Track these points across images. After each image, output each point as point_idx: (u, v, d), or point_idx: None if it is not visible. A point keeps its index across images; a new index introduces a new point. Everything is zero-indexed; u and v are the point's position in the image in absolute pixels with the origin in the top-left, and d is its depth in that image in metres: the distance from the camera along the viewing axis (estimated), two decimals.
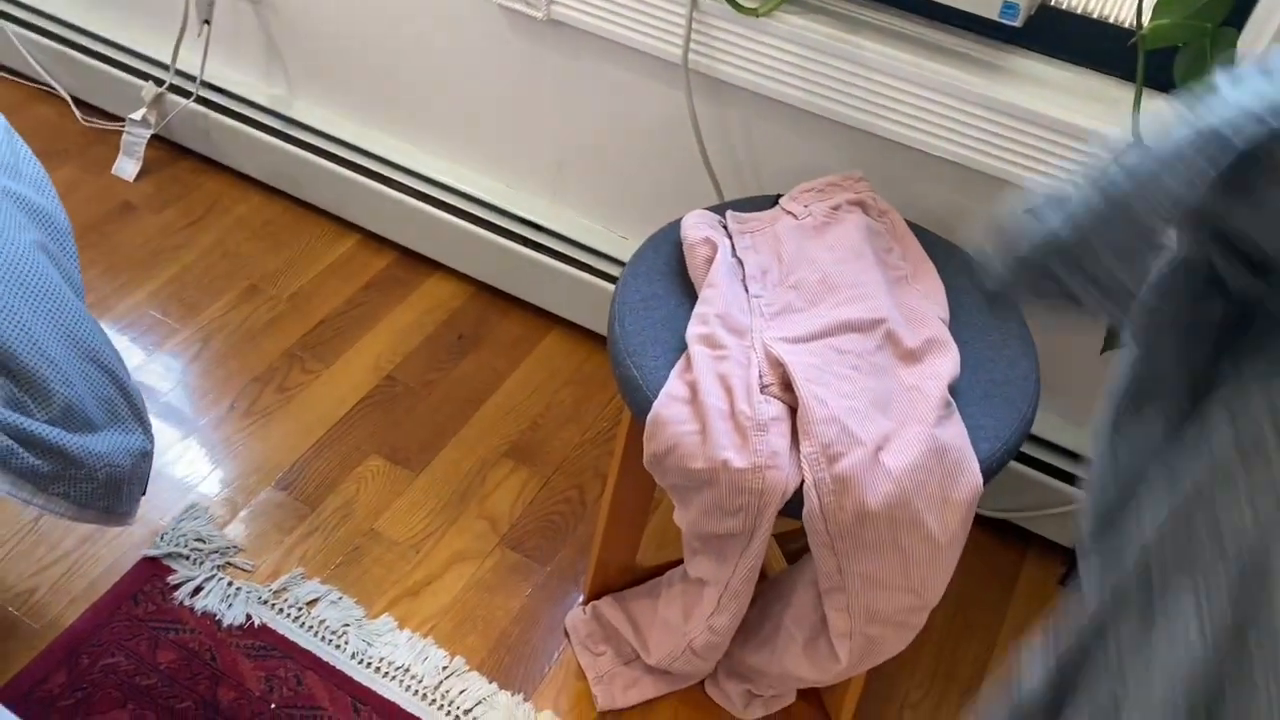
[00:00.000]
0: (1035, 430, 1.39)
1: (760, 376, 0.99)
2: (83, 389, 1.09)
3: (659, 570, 1.36)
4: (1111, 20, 1.16)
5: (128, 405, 1.15)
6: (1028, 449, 1.40)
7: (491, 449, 1.54)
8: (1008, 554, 1.49)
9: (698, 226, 1.12)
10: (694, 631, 1.16)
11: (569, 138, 1.53)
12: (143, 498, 1.21)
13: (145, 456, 1.18)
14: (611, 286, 1.60)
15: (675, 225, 1.19)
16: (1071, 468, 1.39)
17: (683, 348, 1.05)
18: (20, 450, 1.03)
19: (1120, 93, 1.17)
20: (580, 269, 1.61)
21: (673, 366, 1.03)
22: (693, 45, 1.31)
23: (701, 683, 1.30)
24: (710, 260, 1.10)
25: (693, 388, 1.00)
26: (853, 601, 1.01)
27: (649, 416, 1.00)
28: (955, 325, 1.09)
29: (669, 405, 1.00)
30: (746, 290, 1.08)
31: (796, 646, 1.11)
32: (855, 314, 1.06)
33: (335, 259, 1.80)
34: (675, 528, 1.43)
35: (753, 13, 1.24)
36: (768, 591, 1.17)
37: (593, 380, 1.65)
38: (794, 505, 0.98)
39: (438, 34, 1.53)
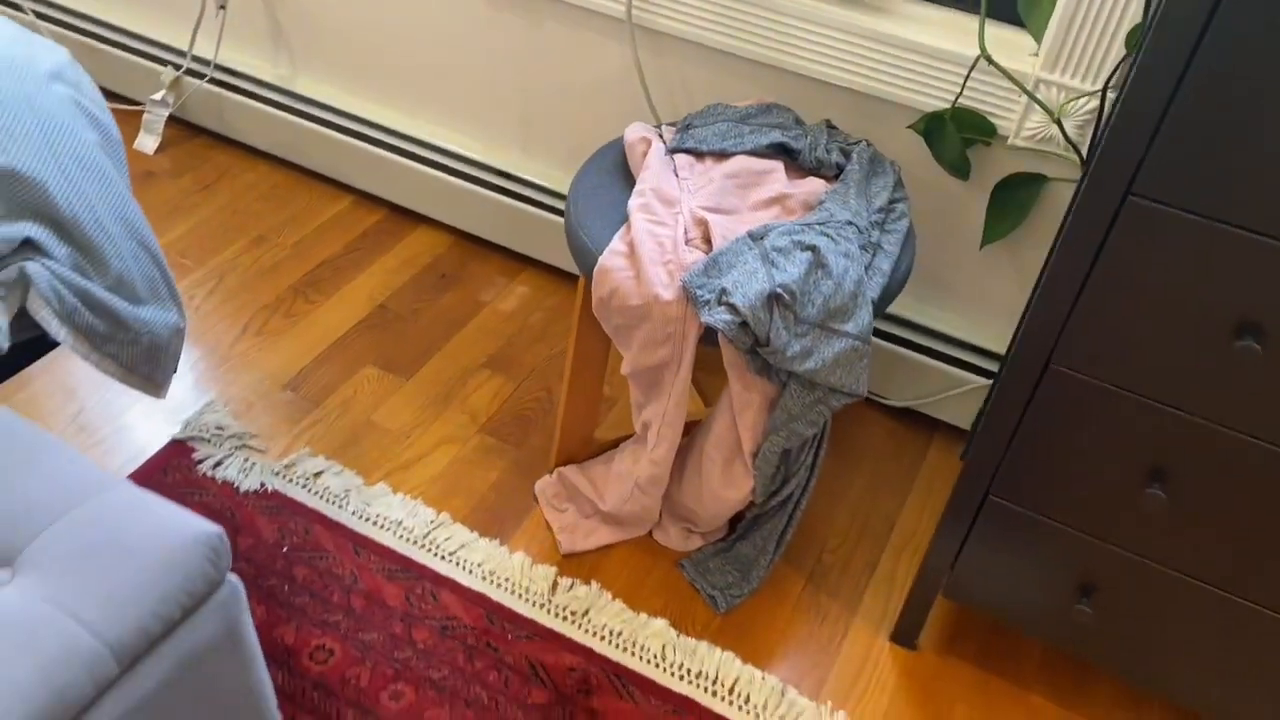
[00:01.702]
0: (929, 323, 1.64)
1: (685, 232, 1.24)
2: (132, 264, 1.32)
3: (616, 444, 1.60)
4: None
5: (166, 285, 1.39)
6: (925, 340, 1.65)
7: (471, 360, 1.78)
8: (916, 438, 1.73)
9: (637, 131, 1.38)
10: (639, 469, 1.39)
11: (534, 95, 1.80)
12: (174, 376, 1.44)
13: (179, 333, 1.41)
14: None
15: (620, 139, 1.45)
16: (963, 356, 1.63)
17: (624, 221, 1.30)
18: (82, 308, 1.27)
19: (974, 24, 1.44)
20: (549, 211, 1.87)
21: (615, 233, 1.28)
22: (634, 3, 1.58)
23: (650, 533, 1.52)
24: (646, 154, 1.35)
25: (630, 245, 1.25)
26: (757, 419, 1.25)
27: (595, 268, 1.25)
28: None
29: (611, 258, 1.24)
30: (677, 177, 1.33)
31: (716, 469, 1.34)
32: (762, 194, 1.31)
33: (333, 214, 2.05)
34: (627, 414, 1.66)
35: None
36: (695, 432, 1.41)
37: (559, 309, 1.90)
38: (710, 336, 1.23)
39: (420, 11, 1.80)
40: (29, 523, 0.91)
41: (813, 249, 1.20)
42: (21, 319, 1.27)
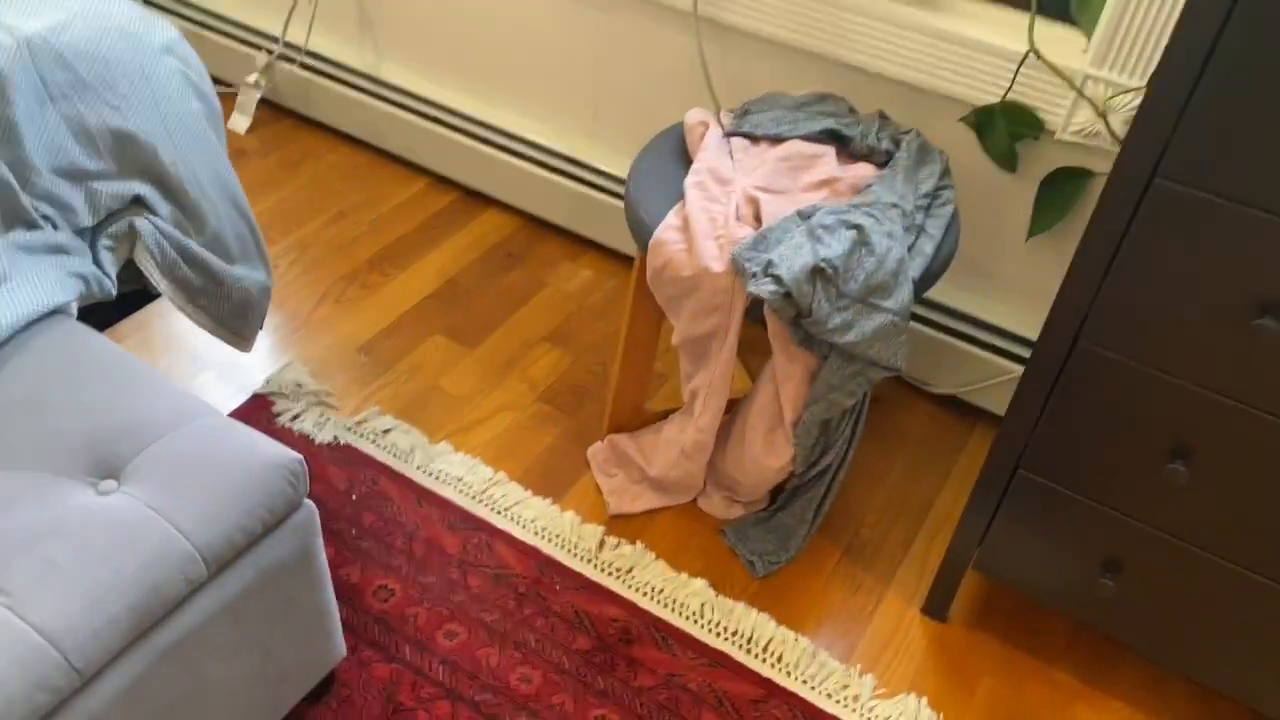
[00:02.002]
0: (974, 312, 1.69)
1: (737, 209, 1.32)
2: (226, 225, 1.44)
3: (665, 415, 1.67)
4: None
5: (256, 246, 1.50)
6: (969, 329, 1.70)
7: (533, 334, 1.87)
8: (958, 425, 1.78)
9: (696, 114, 1.46)
10: (685, 437, 1.47)
11: (603, 82, 1.89)
12: (259, 332, 1.56)
13: (266, 291, 1.53)
14: None
15: (680, 124, 1.53)
16: (1007, 345, 1.68)
17: (680, 198, 1.38)
18: (181, 263, 1.39)
19: (1026, 22, 1.49)
20: (612, 196, 1.96)
21: (671, 209, 1.36)
22: None
23: (694, 500, 1.60)
24: (703, 136, 1.43)
25: (685, 220, 1.33)
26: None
27: (651, 240, 1.33)
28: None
29: (666, 232, 1.32)
30: (732, 159, 1.41)
31: (759, 437, 1.41)
32: (812, 177, 1.38)
33: (409, 195, 2.16)
34: (676, 389, 1.74)
35: None
36: (740, 403, 1.48)
37: (618, 290, 1.98)
38: (756, 308, 1.30)
39: (500, 3, 1.91)
40: (135, 439, 1.03)
41: (858, 227, 1.27)
42: (125, 270, 1.40)
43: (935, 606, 1.47)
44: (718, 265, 1.28)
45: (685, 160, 1.46)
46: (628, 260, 2.05)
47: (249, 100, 2.28)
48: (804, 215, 1.30)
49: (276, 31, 2.23)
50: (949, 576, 1.42)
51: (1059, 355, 1.13)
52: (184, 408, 1.07)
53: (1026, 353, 1.67)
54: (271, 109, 2.35)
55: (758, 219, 1.32)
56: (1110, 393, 1.13)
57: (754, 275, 1.25)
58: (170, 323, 1.82)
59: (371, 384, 1.75)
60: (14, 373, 1.08)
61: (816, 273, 1.22)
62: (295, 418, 1.66)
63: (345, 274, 1.96)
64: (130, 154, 1.31)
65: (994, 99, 1.50)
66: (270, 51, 2.24)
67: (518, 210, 2.14)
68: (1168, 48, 0.92)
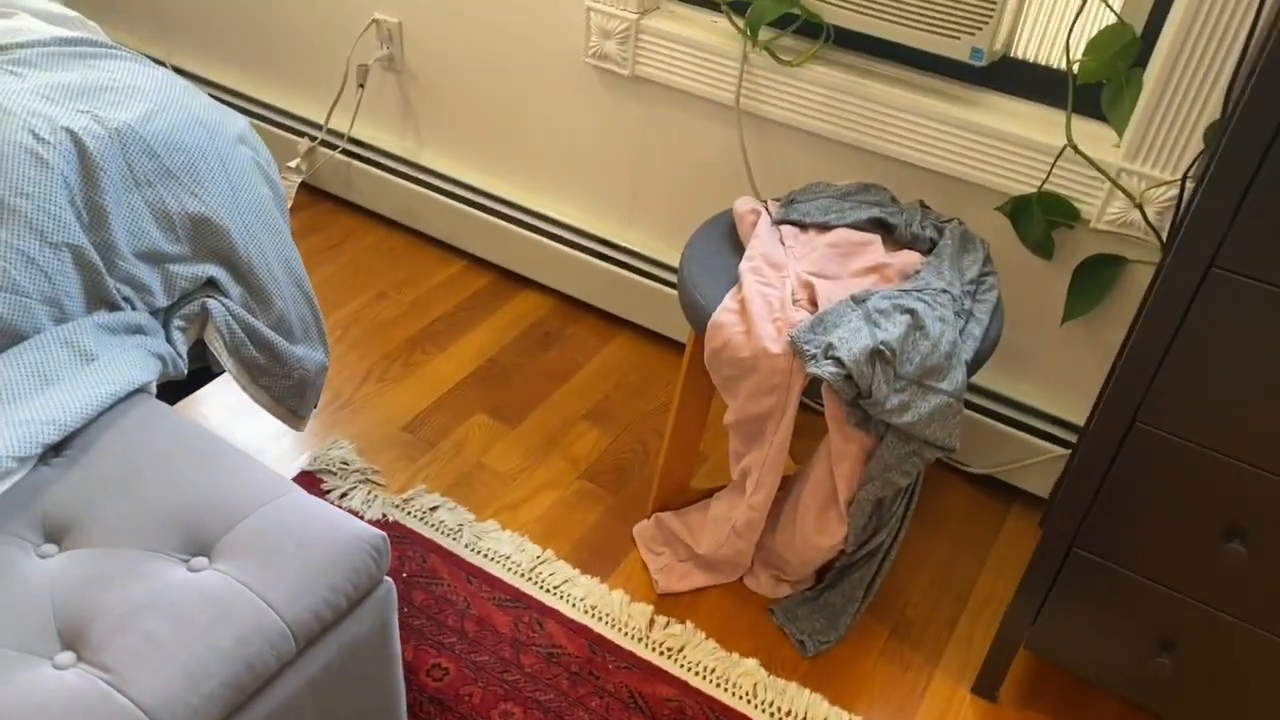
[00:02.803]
0: (1010, 394, 1.73)
1: (792, 293, 1.37)
2: (291, 307, 1.48)
3: (710, 493, 1.70)
4: (1052, 65, 1.57)
5: (317, 327, 1.54)
6: (1005, 410, 1.74)
7: (573, 412, 1.90)
8: (995, 505, 1.80)
9: (746, 203, 1.52)
10: (737, 515, 1.49)
11: (642, 170, 1.96)
12: (314, 411, 1.59)
13: (324, 370, 1.56)
14: (672, 292, 1.99)
15: (728, 211, 1.59)
16: (1044, 426, 1.72)
17: (733, 283, 1.43)
18: (248, 343, 1.42)
19: (1059, 117, 1.56)
20: (649, 279, 2.01)
21: (726, 293, 1.41)
22: (743, 92, 1.74)
23: (740, 579, 1.61)
24: (755, 224, 1.49)
25: (742, 303, 1.37)
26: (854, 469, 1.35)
27: (709, 322, 1.37)
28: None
29: (724, 314, 1.37)
30: (783, 245, 1.46)
31: (811, 516, 1.44)
32: (862, 263, 1.43)
33: (447, 275, 2.21)
34: (725, 464, 1.77)
35: (788, 64, 1.67)
36: (790, 484, 1.50)
37: (654, 369, 2.02)
38: (813, 389, 1.34)
39: (540, 90, 1.98)
40: (224, 516, 1.05)
41: (911, 312, 1.31)
42: (190, 349, 1.43)
43: (986, 686, 1.47)
44: (776, 347, 1.32)
45: (735, 245, 1.51)
46: (662, 340, 2.09)
47: (290, 185, 2.34)
48: (858, 300, 1.35)
49: (318, 118, 2.30)
50: (1000, 656, 1.43)
51: (1116, 435, 1.17)
52: (269, 484, 1.09)
53: (1061, 433, 1.71)
54: (311, 192, 2.42)
55: (813, 303, 1.37)
56: (1166, 472, 1.16)
57: (814, 357, 1.29)
58: (219, 401, 1.84)
59: (417, 461, 1.77)
60: (105, 450, 1.10)
61: (875, 355, 1.26)
62: (344, 495, 1.68)
63: (387, 353, 1.99)
64: (206, 238, 1.36)
65: (1029, 189, 1.57)
66: (313, 138, 2.31)
67: (554, 291, 2.19)
68: (1224, 142, 0.98)
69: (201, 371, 1.54)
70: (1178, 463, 1.15)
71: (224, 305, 1.39)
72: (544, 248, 2.11)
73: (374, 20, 2.10)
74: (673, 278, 1.99)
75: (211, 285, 1.39)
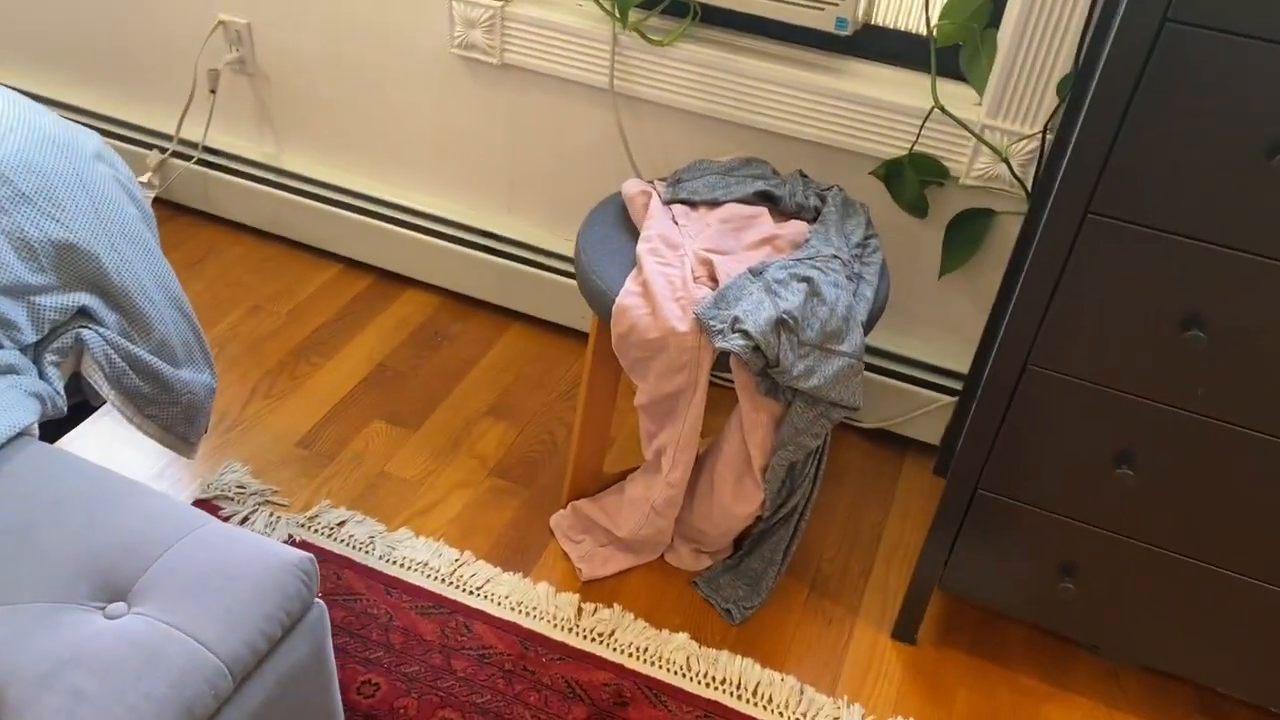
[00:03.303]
0: (895, 349, 1.81)
1: (692, 271, 1.38)
2: (172, 329, 1.41)
3: (623, 476, 1.71)
4: (913, 31, 1.63)
5: (201, 349, 1.47)
6: (891, 365, 1.81)
7: (474, 410, 1.88)
8: (890, 456, 1.88)
9: (635, 185, 1.53)
10: (655, 494, 1.51)
11: (519, 159, 1.94)
12: (205, 435, 1.52)
13: (212, 392, 1.49)
14: (561, 280, 1.98)
15: (616, 196, 1.59)
16: (930, 378, 1.80)
17: (632, 266, 1.44)
18: (130, 372, 1.34)
19: (923, 80, 1.63)
20: (534, 268, 1.99)
21: (626, 276, 1.41)
22: (616, 74, 1.74)
23: (661, 556, 1.63)
24: (646, 205, 1.50)
25: (644, 285, 1.38)
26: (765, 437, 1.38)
27: (614, 307, 1.38)
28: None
29: (627, 297, 1.37)
30: (676, 224, 1.48)
31: (727, 487, 1.47)
32: (754, 236, 1.46)
33: (323, 282, 2.14)
34: (630, 450, 1.78)
35: (659, 44, 1.68)
36: (703, 458, 1.53)
37: (551, 358, 2.01)
38: (723, 361, 1.36)
39: (407, 84, 1.94)
40: (137, 557, 0.99)
41: (808, 280, 1.35)
42: (70, 384, 1.34)
43: (905, 631, 1.54)
44: (683, 325, 1.33)
45: (628, 228, 1.52)
46: (557, 329, 2.08)
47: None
48: (755, 273, 1.37)
49: (168, 129, 2.18)
50: (916, 601, 1.50)
51: (1010, 378, 1.24)
52: (180, 518, 1.04)
53: (946, 382, 1.79)
54: (166, 207, 2.29)
55: (712, 279, 1.39)
56: (1058, 410, 1.24)
57: (720, 332, 1.31)
58: (95, 434, 1.73)
59: (317, 477, 1.71)
60: None
61: (780, 324, 1.29)
62: (244, 520, 1.61)
63: (270, 368, 1.92)
64: (73, 265, 1.27)
65: (900, 152, 1.63)
66: (164, 150, 2.19)
67: (438, 288, 2.15)
68: (1092, 96, 1.04)
69: (78, 406, 1.45)
70: (1069, 400, 1.22)
71: (100, 335, 1.30)
72: (424, 245, 2.06)
73: (220, 22, 2.00)
74: (561, 265, 1.98)
75: (84, 315, 1.30)
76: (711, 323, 1.32)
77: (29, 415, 1.14)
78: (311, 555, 1.04)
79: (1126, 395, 1.19)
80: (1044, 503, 1.32)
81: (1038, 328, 1.19)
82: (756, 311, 1.30)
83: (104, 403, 1.39)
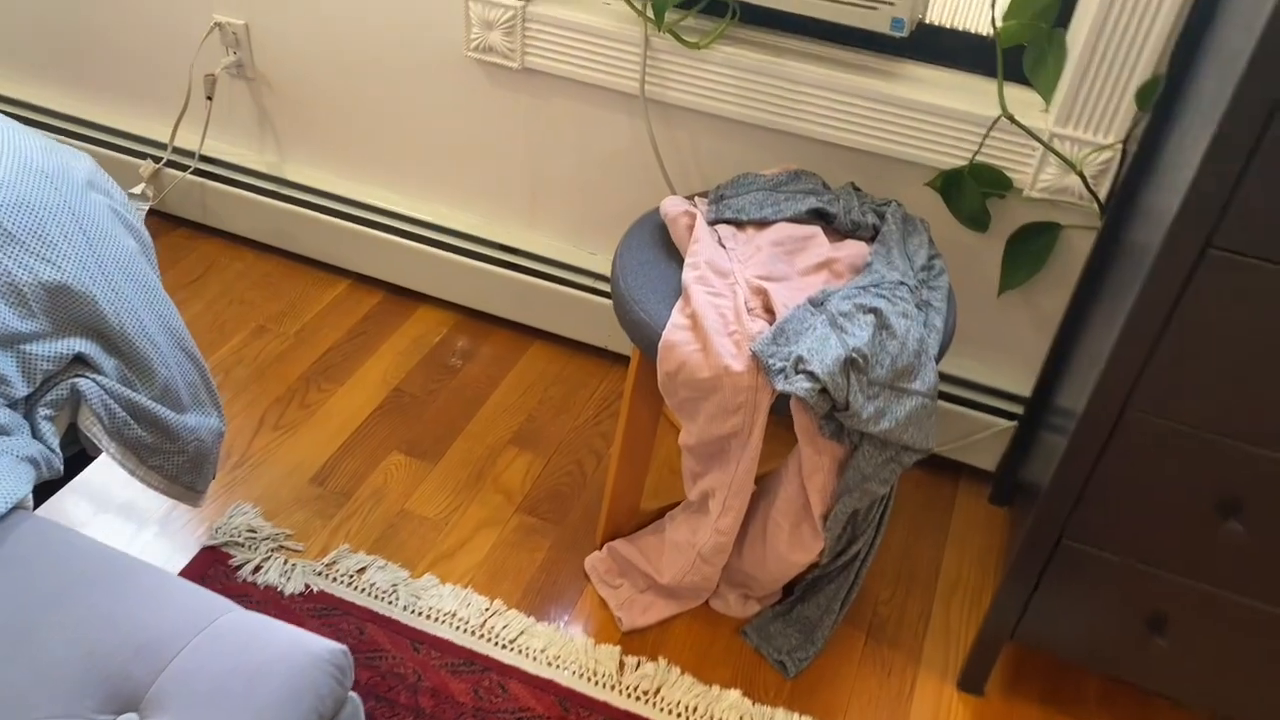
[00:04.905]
0: (950, 370, 1.69)
1: (746, 302, 1.26)
2: (176, 372, 1.28)
3: (658, 515, 1.59)
4: (973, 31, 1.51)
5: (207, 390, 1.35)
6: (946, 387, 1.69)
7: (497, 438, 1.76)
8: (942, 484, 1.77)
9: (676, 204, 1.40)
10: (702, 540, 1.39)
11: (541, 169, 1.81)
12: (212, 481, 1.39)
13: (220, 436, 1.37)
14: (585, 296, 1.86)
15: (653, 214, 1.47)
16: (987, 400, 1.68)
17: (677, 295, 1.32)
18: (132, 422, 1.22)
19: (985, 85, 1.50)
20: (557, 284, 1.87)
21: (672, 307, 1.29)
22: (647, 78, 1.61)
23: (705, 601, 1.52)
24: (690, 227, 1.37)
25: (692, 317, 1.26)
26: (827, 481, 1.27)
27: (660, 344, 1.25)
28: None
29: (675, 332, 1.25)
30: (724, 247, 1.35)
31: (783, 534, 1.35)
32: (809, 260, 1.34)
33: (332, 299, 2.01)
34: (667, 481, 1.67)
35: (695, 46, 1.55)
36: (755, 500, 1.41)
37: (576, 379, 1.89)
38: (781, 402, 1.24)
39: (418, 89, 1.80)
40: (151, 658, 0.87)
41: (875, 311, 1.23)
42: (67, 432, 1.22)
43: (972, 681, 1.43)
44: (738, 364, 1.21)
45: (669, 252, 1.39)
46: (581, 347, 1.96)
47: (136, 214, 2.07)
48: (816, 303, 1.26)
49: (162, 137, 2.05)
50: (985, 651, 1.39)
51: (1105, 424, 1.12)
52: (197, 608, 0.92)
53: (1004, 405, 1.68)
54: (162, 219, 2.16)
55: (768, 310, 1.27)
56: (1159, 458, 1.12)
57: (781, 371, 1.19)
58: (96, 479, 1.61)
59: (333, 517, 1.59)
60: None
61: (849, 364, 1.18)
62: (257, 569, 1.50)
63: (279, 396, 1.79)
64: (67, 309, 1.15)
65: (959, 161, 1.50)
66: (158, 159, 2.05)
67: (453, 305, 2.03)
68: (1218, 129, 0.92)
69: (76, 457, 1.32)
70: (1174, 448, 1.11)
71: (98, 383, 1.18)
72: (438, 259, 1.94)
73: (216, 24, 1.86)
74: (585, 281, 1.86)
75: (80, 362, 1.18)
76: (771, 361, 1.20)
77: (22, 486, 1.02)
78: (345, 648, 0.93)
79: (1241, 445, 1.08)
80: (1137, 554, 1.21)
81: (1141, 370, 1.07)
82: (822, 349, 1.18)
83: (101, 453, 1.26)
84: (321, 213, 1.98)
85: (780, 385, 1.19)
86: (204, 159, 2.03)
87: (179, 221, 2.16)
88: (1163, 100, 1.30)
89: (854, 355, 1.18)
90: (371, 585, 1.49)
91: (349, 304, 2.01)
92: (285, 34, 1.84)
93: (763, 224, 1.39)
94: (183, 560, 1.50)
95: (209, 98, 1.94)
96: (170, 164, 2.05)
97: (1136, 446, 1.12)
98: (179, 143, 2.04)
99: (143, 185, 2.06)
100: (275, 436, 1.71)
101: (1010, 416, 1.68)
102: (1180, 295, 1.01)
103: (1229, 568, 1.17)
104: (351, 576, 1.50)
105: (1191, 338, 1.03)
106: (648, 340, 1.29)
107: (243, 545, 1.53)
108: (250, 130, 2.00)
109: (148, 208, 2.09)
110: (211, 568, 1.49)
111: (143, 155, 2.06)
